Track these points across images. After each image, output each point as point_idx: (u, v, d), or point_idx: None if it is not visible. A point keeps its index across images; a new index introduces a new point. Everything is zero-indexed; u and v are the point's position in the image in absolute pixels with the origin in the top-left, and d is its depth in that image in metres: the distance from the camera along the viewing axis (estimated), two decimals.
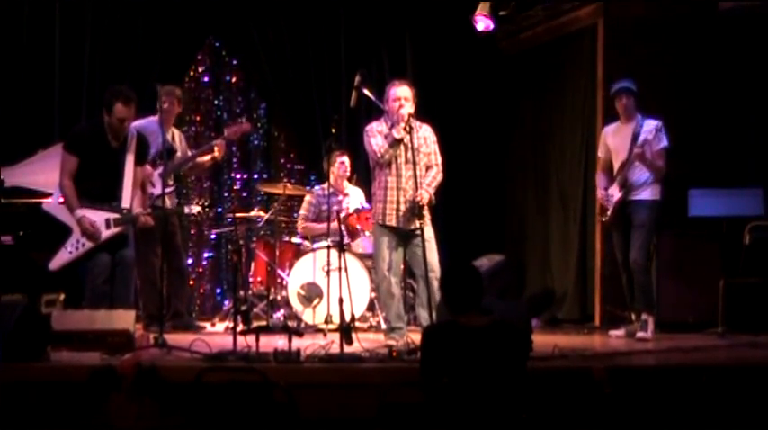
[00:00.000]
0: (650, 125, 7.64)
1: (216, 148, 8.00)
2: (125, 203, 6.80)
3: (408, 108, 6.76)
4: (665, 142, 7.62)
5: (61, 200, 6.79)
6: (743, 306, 7.99)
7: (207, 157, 8.11)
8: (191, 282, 9.84)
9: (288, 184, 8.87)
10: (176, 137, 8.14)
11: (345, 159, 8.71)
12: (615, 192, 7.68)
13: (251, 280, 8.63)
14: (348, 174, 8.79)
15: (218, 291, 10.14)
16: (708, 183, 8.42)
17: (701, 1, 8.88)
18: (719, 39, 8.88)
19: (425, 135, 6.97)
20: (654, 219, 7.65)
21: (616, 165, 7.76)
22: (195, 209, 7.48)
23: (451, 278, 4.83)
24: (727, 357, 6.60)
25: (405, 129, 6.70)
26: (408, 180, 6.79)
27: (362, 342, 6.48)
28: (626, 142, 7.67)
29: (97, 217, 6.68)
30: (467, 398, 4.49)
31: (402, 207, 6.82)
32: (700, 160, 8.64)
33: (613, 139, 7.81)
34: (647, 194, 7.63)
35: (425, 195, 6.76)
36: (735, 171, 8.71)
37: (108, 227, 6.70)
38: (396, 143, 6.78)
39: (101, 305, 6.48)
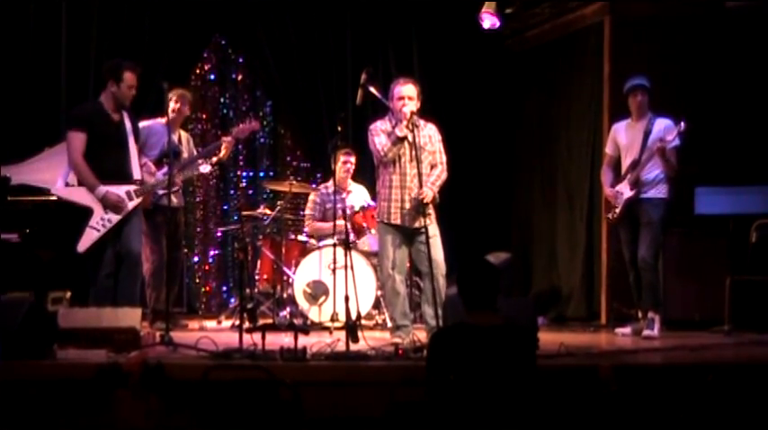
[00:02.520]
0: (662, 124, 7.63)
1: (223, 147, 8.00)
2: (136, 175, 6.88)
3: (411, 106, 6.75)
4: (676, 141, 7.59)
5: (70, 182, 6.82)
6: (749, 304, 7.99)
7: (214, 159, 8.11)
8: (196, 280, 9.92)
9: (294, 182, 8.88)
10: (183, 138, 8.15)
11: (350, 158, 8.70)
12: (626, 191, 7.67)
13: (257, 277, 8.63)
14: (351, 172, 8.78)
15: (225, 288, 10.17)
16: (714, 181, 8.40)
17: None
18: (726, 37, 8.86)
19: (430, 134, 6.96)
20: (662, 218, 7.64)
21: (625, 163, 7.75)
22: (207, 168, 7.63)
23: (470, 276, 4.74)
24: (734, 355, 6.59)
25: (407, 127, 6.71)
26: (413, 178, 6.78)
27: (368, 340, 6.49)
28: (637, 140, 7.67)
29: (118, 191, 6.75)
30: (478, 397, 4.48)
31: (406, 205, 6.81)
32: (706, 158, 8.62)
33: (624, 137, 7.80)
34: (655, 193, 7.62)
35: (429, 193, 6.75)
36: (741, 169, 8.69)
37: (130, 198, 6.78)
38: (398, 141, 6.77)
39: (104, 299, 6.54)
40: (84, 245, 6.69)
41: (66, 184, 6.86)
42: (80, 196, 6.73)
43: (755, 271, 8.06)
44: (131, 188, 6.79)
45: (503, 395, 4.48)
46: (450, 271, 6.91)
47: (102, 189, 6.67)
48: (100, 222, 6.69)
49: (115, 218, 6.71)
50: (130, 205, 6.77)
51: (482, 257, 5.75)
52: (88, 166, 6.71)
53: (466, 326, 4.64)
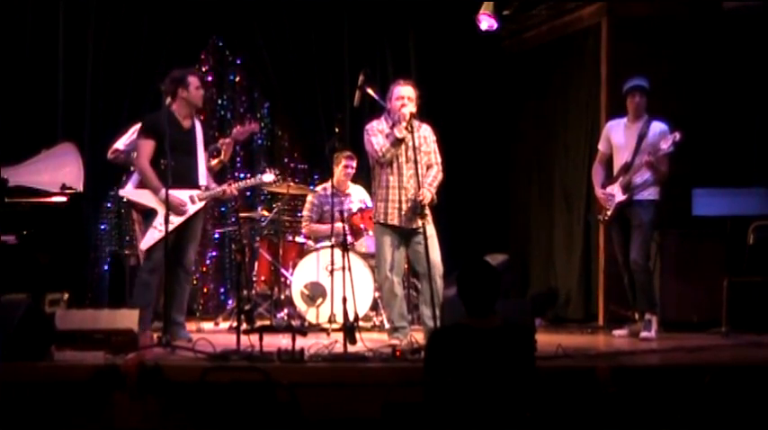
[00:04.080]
0: (657, 128, 7.62)
1: (222, 149, 7.99)
2: (202, 181, 7.11)
3: (410, 107, 6.75)
4: (669, 149, 7.56)
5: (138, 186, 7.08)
6: (747, 305, 7.97)
7: (214, 161, 8.10)
8: (194, 281, 9.88)
9: (291, 184, 8.87)
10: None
11: (351, 162, 8.70)
12: (618, 194, 7.67)
13: (255, 279, 8.63)
14: (351, 176, 8.78)
15: (222, 290, 10.15)
16: (712, 183, 8.40)
17: (705, 0, 8.87)
18: (723, 38, 8.86)
19: (425, 134, 6.97)
20: (652, 219, 7.64)
21: (617, 163, 7.76)
22: (270, 177, 7.72)
23: (471, 280, 4.67)
24: (731, 357, 6.58)
25: (406, 128, 6.70)
26: (410, 179, 6.79)
27: (366, 341, 6.49)
28: (632, 142, 7.66)
29: (181, 195, 6.94)
30: (476, 398, 4.47)
31: (404, 206, 6.81)
32: (703, 159, 8.63)
33: (618, 137, 7.79)
34: (645, 194, 7.62)
35: (428, 195, 6.77)
36: (739, 170, 8.70)
37: (193, 202, 7.01)
38: (397, 142, 6.77)
39: (143, 294, 6.81)
40: (146, 243, 6.93)
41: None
42: (145, 198, 6.97)
43: (753, 272, 8.05)
44: (194, 193, 7.01)
45: (501, 396, 4.48)
46: (447, 272, 6.91)
47: (164, 192, 6.81)
48: (163, 223, 6.81)
49: (177, 220, 6.89)
50: (192, 209, 7.00)
51: (480, 258, 5.74)
52: (153, 171, 6.91)
53: (464, 327, 4.64)
